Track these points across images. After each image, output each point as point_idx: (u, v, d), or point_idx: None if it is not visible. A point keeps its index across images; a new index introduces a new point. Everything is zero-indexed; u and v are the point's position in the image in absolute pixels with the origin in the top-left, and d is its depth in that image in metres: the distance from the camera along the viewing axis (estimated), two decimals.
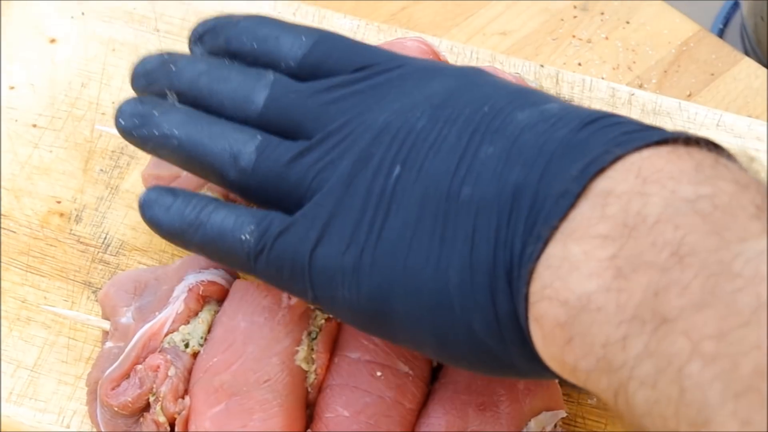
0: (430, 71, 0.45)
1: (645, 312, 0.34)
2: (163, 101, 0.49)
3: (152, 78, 0.50)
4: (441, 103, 0.43)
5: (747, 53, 0.81)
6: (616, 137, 0.38)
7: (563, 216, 0.37)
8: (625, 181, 0.37)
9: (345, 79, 0.46)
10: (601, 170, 0.37)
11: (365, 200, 0.42)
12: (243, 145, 0.46)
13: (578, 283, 0.36)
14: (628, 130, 0.39)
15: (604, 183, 0.37)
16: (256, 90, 0.47)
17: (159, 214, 0.47)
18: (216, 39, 0.50)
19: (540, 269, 0.37)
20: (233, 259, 0.46)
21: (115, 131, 0.50)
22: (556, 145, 0.39)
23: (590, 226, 0.36)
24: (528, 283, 0.37)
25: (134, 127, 0.48)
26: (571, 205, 0.37)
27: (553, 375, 0.39)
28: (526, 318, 0.38)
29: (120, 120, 0.49)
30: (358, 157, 0.43)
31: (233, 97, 0.47)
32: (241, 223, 0.45)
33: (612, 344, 0.34)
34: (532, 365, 0.39)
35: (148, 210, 0.48)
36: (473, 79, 0.45)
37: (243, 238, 0.45)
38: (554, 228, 0.37)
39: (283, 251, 0.44)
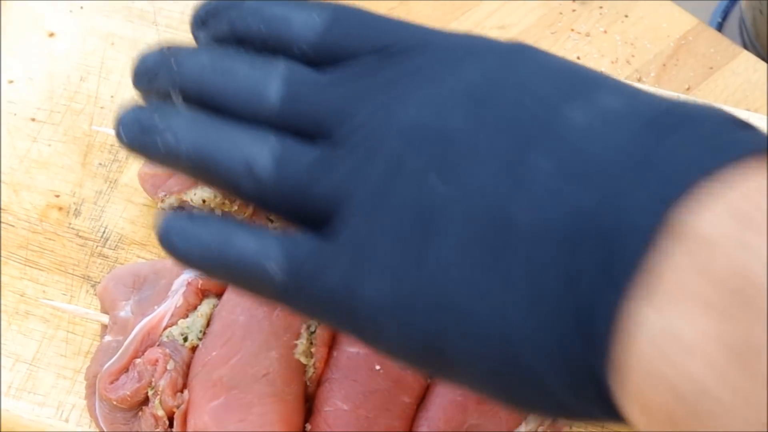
0: (465, 50, 0.39)
1: None
2: (165, 106, 0.43)
3: (154, 76, 0.44)
4: (476, 94, 0.37)
5: (746, 47, 0.81)
6: (694, 148, 0.32)
7: (646, 261, 0.31)
8: (719, 224, 0.30)
9: (367, 65, 0.40)
10: (681, 199, 0.31)
11: (401, 220, 0.36)
12: (257, 152, 0.40)
13: (688, 365, 0.30)
14: (708, 133, 0.32)
15: (690, 220, 0.31)
16: (266, 83, 0.41)
17: (178, 243, 0.41)
18: (220, 23, 0.44)
19: (633, 336, 0.31)
20: (262, 292, 0.40)
21: (111, 131, 0.49)
22: (620, 157, 0.33)
23: (687, 283, 0.30)
24: (611, 344, 0.32)
25: (136, 139, 0.42)
26: (652, 245, 0.31)
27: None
28: (607, 379, 0.33)
29: (121, 133, 0.43)
30: (388, 163, 0.37)
31: (242, 92, 0.42)
32: (266, 252, 0.39)
33: None
34: (614, 418, 0.34)
35: (166, 241, 0.41)
36: (514, 58, 0.39)
37: (269, 269, 0.38)
38: (636, 276, 0.31)
39: (314, 284, 0.38)
